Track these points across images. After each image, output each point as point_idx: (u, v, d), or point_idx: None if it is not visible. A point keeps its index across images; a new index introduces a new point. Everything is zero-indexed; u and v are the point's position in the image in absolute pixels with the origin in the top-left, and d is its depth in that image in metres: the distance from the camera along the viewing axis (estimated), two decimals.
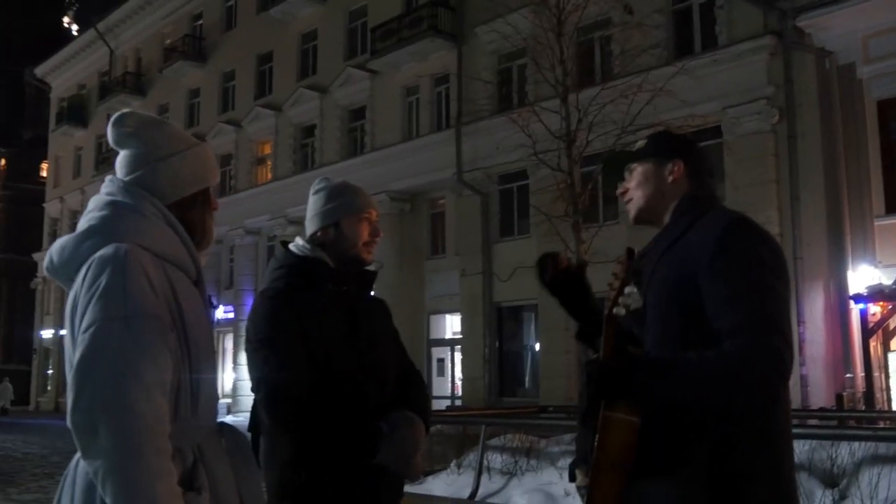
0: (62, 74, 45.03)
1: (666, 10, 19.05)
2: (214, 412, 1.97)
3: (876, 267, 15.18)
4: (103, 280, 1.73)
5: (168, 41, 36.01)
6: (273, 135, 30.54)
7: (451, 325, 24.57)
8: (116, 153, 2.03)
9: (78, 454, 1.71)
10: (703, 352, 1.92)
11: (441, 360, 24.72)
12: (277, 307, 2.50)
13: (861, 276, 15.15)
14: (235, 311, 29.98)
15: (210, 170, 2.08)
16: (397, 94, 25.83)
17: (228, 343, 30.82)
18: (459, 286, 23.11)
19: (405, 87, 25.68)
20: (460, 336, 23.51)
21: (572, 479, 2.32)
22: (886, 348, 15.05)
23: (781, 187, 16.74)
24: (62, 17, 65.21)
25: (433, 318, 24.90)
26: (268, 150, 31.25)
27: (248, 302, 29.30)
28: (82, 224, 1.90)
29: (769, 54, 17.13)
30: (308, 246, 2.63)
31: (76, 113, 42.56)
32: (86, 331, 1.70)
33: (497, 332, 22.60)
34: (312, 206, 2.69)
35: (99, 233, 1.85)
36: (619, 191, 2.33)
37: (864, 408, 14.25)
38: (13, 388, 41.10)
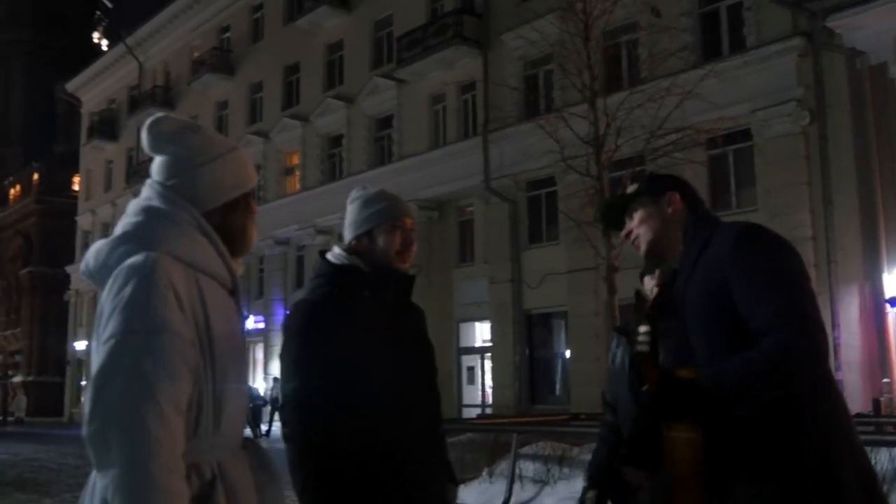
0: (93, 89, 45.62)
1: (693, 13, 18.93)
2: (241, 428, 1.93)
3: None
4: (128, 290, 1.71)
5: (196, 54, 36.37)
6: (301, 145, 30.70)
7: (481, 332, 24.49)
8: (147, 164, 2.01)
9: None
10: (746, 354, 1.98)
11: (471, 368, 24.63)
12: (309, 320, 2.51)
13: None
14: (266, 322, 30.12)
15: (249, 174, 2.05)
16: (424, 103, 25.87)
17: (259, 353, 30.96)
18: (489, 294, 23.05)
19: (432, 95, 25.70)
20: (490, 344, 23.44)
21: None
22: None
23: (814, 190, 16.52)
24: (92, 32, 66.20)
25: (463, 325, 24.84)
26: (296, 160, 31.40)
27: (278, 312, 29.47)
28: (118, 229, 1.88)
29: (799, 55, 16.94)
30: (344, 254, 2.63)
31: (107, 127, 43.12)
32: (106, 342, 1.68)
33: (527, 340, 22.50)
34: (348, 216, 2.70)
35: (132, 239, 1.82)
36: (622, 233, 2.44)
37: None
38: (43, 400, 41.48)
